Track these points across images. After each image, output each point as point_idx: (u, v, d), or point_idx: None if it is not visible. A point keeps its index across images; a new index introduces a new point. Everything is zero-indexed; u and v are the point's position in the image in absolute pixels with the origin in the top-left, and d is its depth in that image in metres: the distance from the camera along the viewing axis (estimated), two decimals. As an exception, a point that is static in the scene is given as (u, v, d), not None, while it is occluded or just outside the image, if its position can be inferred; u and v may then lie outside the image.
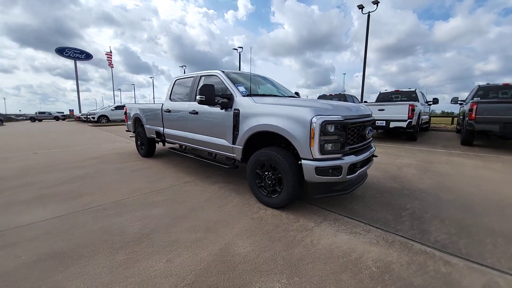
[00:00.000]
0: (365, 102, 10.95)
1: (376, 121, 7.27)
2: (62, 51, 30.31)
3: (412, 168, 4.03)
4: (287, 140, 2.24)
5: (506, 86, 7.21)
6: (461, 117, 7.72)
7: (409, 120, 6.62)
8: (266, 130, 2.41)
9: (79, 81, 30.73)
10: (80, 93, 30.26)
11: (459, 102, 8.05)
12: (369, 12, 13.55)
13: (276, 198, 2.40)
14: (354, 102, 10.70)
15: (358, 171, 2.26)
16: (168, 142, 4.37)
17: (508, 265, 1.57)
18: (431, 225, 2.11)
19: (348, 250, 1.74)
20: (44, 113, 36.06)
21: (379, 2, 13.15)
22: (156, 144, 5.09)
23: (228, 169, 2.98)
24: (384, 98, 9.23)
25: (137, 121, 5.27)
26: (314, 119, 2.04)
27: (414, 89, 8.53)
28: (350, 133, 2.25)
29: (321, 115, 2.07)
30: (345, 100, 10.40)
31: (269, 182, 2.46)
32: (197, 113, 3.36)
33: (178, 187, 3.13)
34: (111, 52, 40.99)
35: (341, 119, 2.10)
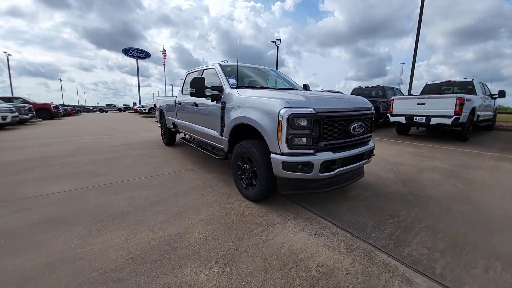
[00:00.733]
0: (410, 95, 9.60)
1: (415, 117, 6.37)
2: (127, 52, 34.92)
3: (436, 172, 3.44)
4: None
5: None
6: None
7: (455, 116, 5.59)
8: (243, 123, 2.40)
9: (140, 78, 35.07)
10: (142, 88, 34.75)
11: None
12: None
13: (251, 191, 2.39)
14: (395, 95, 9.50)
15: (337, 170, 2.08)
16: (180, 132, 4.72)
17: (488, 295, 1.27)
18: (416, 237, 1.82)
19: (298, 250, 1.64)
20: (110, 105, 42.68)
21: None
22: (177, 134, 5.52)
23: (218, 159, 3.08)
24: (431, 90, 7.93)
25: (161, 112, 5.80)
26: (282, 111, 1.94)
27: (471, 80, 7.09)
28: (327, 127, 2.06)
29: (290, 107, 1.95)
30: (384, 93, 9.32)
31: (247, 175, 2.46)
32: (197, 105, 3.53)
33: (177, 174, 3.38)
34: (165, 50, 45.22)
35: (313, 112, 1.94)
